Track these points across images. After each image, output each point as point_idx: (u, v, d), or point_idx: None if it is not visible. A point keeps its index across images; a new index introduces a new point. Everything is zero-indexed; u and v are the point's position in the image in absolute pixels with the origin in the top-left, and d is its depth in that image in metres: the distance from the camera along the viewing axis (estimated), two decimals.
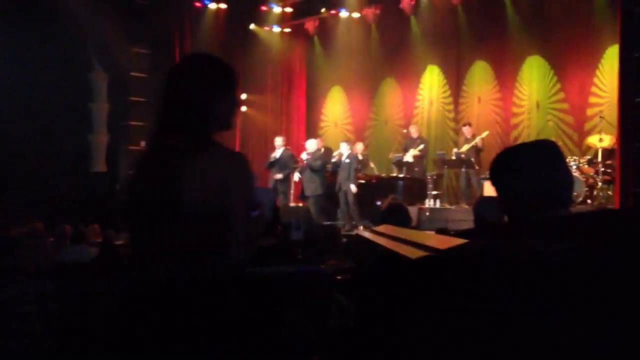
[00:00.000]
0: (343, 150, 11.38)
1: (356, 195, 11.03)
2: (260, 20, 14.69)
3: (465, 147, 11.52)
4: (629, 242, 0.87)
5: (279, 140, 12.13)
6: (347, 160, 11.14)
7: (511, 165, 1.86)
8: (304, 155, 11.64)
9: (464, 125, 11.92)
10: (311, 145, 11.62)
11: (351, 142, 12.02)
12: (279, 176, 11.59)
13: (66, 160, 13.30)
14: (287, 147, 12.98)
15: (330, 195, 11.59)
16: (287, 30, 14.88)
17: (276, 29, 14.82)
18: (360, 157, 11.78)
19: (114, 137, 13.19)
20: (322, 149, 12.60)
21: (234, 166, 1.99)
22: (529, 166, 1.80)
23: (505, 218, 2.04)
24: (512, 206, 1.86)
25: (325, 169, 11.54)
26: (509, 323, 0.93)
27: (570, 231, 1.24)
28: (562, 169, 1.83)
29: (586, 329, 0.85)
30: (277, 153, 11.89)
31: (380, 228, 1.65)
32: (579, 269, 0.86)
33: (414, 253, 1.08)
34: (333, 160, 11.42)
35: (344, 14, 14.01)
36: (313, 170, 11.18)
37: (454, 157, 11.93)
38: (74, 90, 12.78)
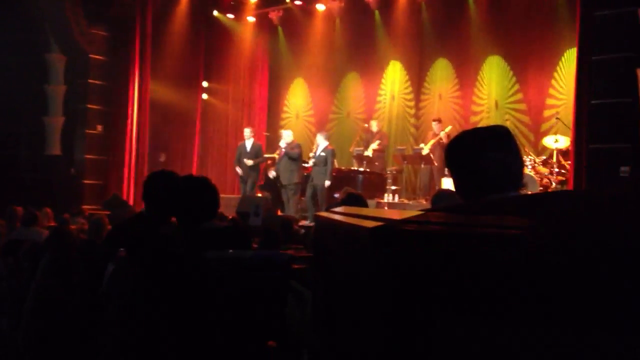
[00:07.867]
0: (320, 142, 11.06)
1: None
2: (224, 7, 14.53)
3: (431, 142, 11.59)
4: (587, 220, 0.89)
5: (247, 132, 11.84)
6: (323, 154, 10.86)
7: (469, 147, 1.90)
8: (282, 143, 11.41)
9: (434, 120, 11.95)
10: (288, 135, 11.41)
11: (327, 134, 11.65)
12: (250, 162, 11.47)
13: (20, 141, 12.95)
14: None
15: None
16: (251, 19, 14.74)
17: (240, 17, 14.69)
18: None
19: (70, 120, 12.86)
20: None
21: None
22: (486, 148, 1.86)
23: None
24: (467, 186, 1.90)
25: (302, 159, 11.38)
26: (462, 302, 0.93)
27: (525, 210, 1.26)
28: (515, 152, 1.91)
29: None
30: (247, 144, 11.70)
31: (339, 209, 1.65)
32: (538, 244, 0.87)
33: (370, 224, 1.08)
34: (311, 153, 11.21)
35: (308, 5, 13.95)
36: (291, 158, 11.04)
37: (412, 153, 12.02)
38: (29, 71, 12.43)
